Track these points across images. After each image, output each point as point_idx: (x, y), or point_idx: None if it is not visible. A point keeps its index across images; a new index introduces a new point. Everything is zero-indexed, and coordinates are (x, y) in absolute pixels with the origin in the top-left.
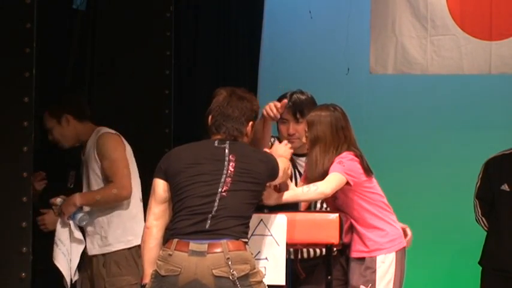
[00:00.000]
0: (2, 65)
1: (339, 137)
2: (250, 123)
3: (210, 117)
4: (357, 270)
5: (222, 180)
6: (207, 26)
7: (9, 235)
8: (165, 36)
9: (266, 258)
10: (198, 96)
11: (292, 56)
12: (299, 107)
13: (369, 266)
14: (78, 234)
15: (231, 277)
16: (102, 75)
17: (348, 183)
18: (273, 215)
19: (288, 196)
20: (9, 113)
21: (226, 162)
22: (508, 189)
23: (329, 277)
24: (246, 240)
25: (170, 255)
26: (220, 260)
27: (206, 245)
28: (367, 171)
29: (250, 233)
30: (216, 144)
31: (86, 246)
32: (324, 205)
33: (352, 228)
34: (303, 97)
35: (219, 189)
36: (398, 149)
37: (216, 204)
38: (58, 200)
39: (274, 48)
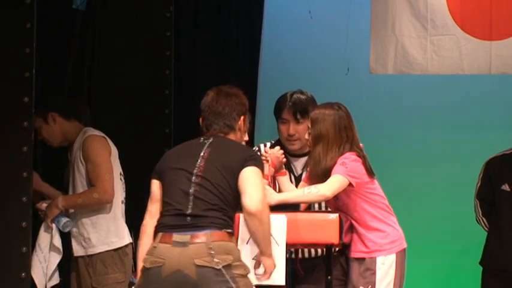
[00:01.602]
0: (2, 65)
1: (341, 136)
2: (242, 117)
3: (201, 118)
4: (357, 270)
5: (195, 173)
6: (207, 26)
7: (9, 235)
8: (165, 36)
9: None
10: (198, 96)
11: (292, 56)
12: (299, 107)
13: (368, 267)
14: (57, 242)
15: (215, 266)
16: (102, 75)
17: (350, 184)
18: (273, 215)
19: (288, 197)
20: (9, 113)
21: (200, 157)
22: (509, 189)
23: (329, 277)
24: (230, 230)
25: (155, 247)
26: (203, 249)
27: (189, 236)
28: (370, 172)
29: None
30: (201, 140)
31: (72, 247)
32: (323, 204)
33: (352, 228)
34: (303, 97)
35: (193, 183)
36: (398, 149)
37: (192, 198)
38: (43, 205)
39: (274, 48)
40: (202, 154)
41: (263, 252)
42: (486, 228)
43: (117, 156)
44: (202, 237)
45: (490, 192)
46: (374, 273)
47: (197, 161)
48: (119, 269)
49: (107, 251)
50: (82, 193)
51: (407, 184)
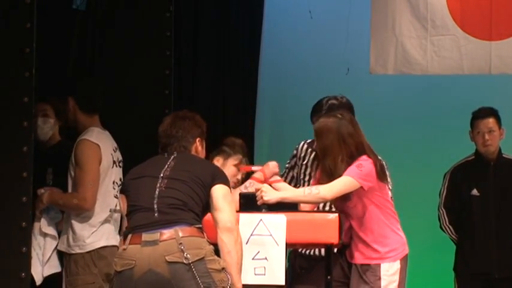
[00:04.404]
0: (2, 65)
1: (346, 144)
2: (198, 139)
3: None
4: (361, 276)
5: (161, 176)
6: (207, 26)
7: (9, 235)
8: (165, 36)
9: (265, 258)
10: (198, 96)
11: (292, 56)
12: None
13: (373, 273)
14: (49, 230)
15: (184, 261)
16: (102, 75)
17: (362, 187)
18: (272, 215)
19: (287, 195)
20: (9, 113)
21: (166, 165)
22: (478, 194)
23: (328, 277)
24: (200, 226)
25: (124, 249)
26: (173, 246)
27: (158, 234)
28: (381, 176)
29: (249, 232)
30: (165, 155)
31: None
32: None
33: (351, 229)
34: (336, 103)
35: (158, 184)
36: (399, 149)
37: (157, 196)
38: (41, 191)
39: (274, 48)
40: (168, 163)
41: (234, 282)
42: (453, 236)
43: (111, 166)
44: (171, 233)
45: (456, 200)
46: (379, 279)
47: (163, 168)
48: (90, 271)
49: (82, 252)
50: (64, 195)
51: (407, 184)
